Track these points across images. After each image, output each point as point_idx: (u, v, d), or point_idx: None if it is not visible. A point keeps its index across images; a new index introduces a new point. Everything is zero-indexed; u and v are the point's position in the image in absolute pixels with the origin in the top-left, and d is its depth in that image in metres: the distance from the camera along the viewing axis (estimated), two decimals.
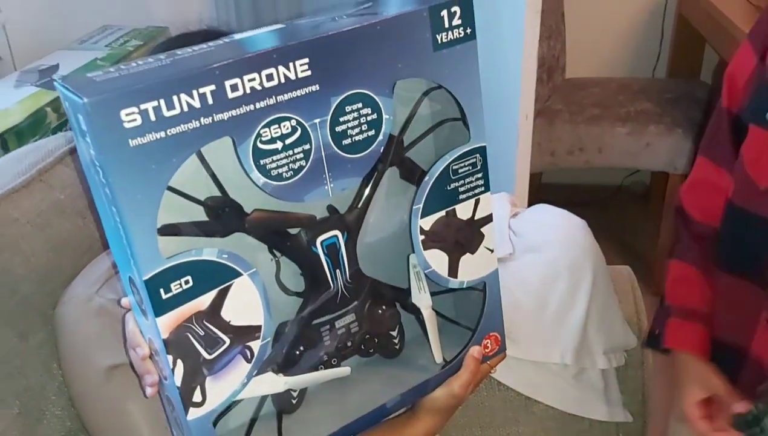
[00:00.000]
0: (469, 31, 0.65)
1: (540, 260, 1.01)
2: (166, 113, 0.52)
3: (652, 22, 2.42)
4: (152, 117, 0.51)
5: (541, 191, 2.54)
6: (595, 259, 1.01)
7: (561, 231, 1.02)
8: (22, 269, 0.86)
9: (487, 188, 0.72)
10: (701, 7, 2.06)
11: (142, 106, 0.51)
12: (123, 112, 0.50)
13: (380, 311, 0.73)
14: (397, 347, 0.76)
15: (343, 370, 0.72)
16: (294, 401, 0.71)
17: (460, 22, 0.64)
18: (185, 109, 0.53)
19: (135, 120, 0.51)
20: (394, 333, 0.76)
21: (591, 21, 2.36)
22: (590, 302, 0.99)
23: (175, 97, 0.52)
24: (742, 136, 0.86)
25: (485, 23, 1.73)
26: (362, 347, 0.74)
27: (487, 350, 0.77)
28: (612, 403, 1.03)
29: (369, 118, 0.63)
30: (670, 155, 1.97)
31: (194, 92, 0.53)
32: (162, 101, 0.51)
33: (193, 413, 0.60)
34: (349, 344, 0.72)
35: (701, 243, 0.94)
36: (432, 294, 0.74)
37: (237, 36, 0.60)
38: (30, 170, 0.96)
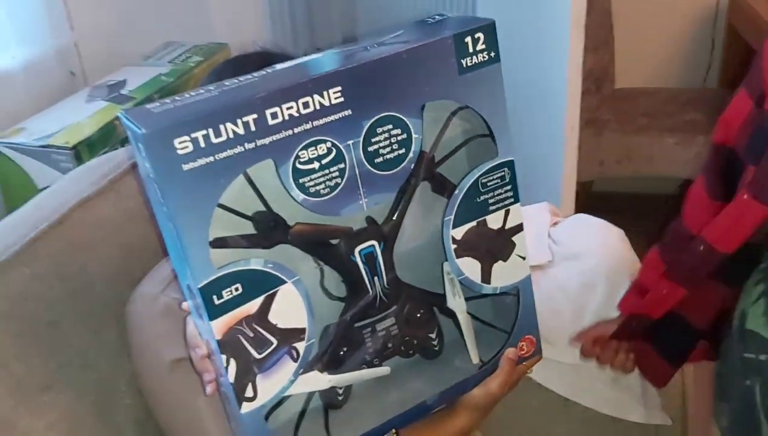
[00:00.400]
0: (493, 54, 0.69)
1: (579, 268, 1.04)
2: (214, 140, 0.58)
3: (703, 31, 2.42)
4: (202, 144, 0.58)
5: (592, 199, 2.55)
6: (632, 267, 1.04)
7: (599, 240, 1.06)
8: (96, 270, 0.94)
9: (516, 200, 0.75)
10: (750, 17, 2.05)
11: (193, 135, 0.57)
12: (176, 141, 0.57)
13: (418, 315, 0.78)
14: (437, 348, 0.81)
15: (383, 369, 0.77)
16: (340, 398, 0.76)
17: (483, 46, 0.68)
18: (231, 135, 0.59)
19: (187, 147, 0.57)
20: (433, 335, 0.80)
21: (640, 32, 2.37)
22: None
23: (221, 126, 0.58)
24: (736, 170, 0.90)
25: (532, 38, 1.78)
26: (402, 349, 0.78)
27: (522, 352, 0.80)
28: (650, 406, 1.06)
29: (399, 137, 0.68)
30: None
31: (238, 121, 0.59)
32: (210, 130, 0.58)
33: (246, 407, 0.66)
34: (389, 345, 0.77)
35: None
36: (468, 299, 0.79)
37: (278, 66, 0.66)
38: (102, 180, 1.04)
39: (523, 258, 0.78)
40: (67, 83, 1.65)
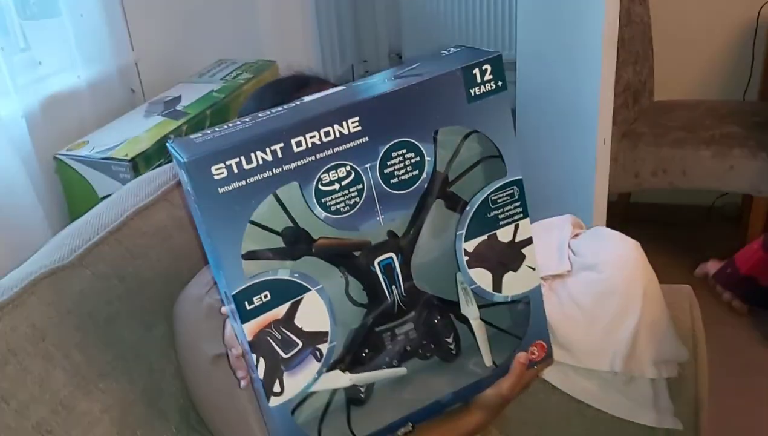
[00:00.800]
0: (500, 83, 0.76)
1: (595, 278, 1.10)
2: (246, 166, 0.67)
3: (743, 44, 2.43)
4: (235, 170, 0.66)
5: (630, 210, 2.58)
6: (646, 278, 1.09)
7: (615, 252, 1.11)
8: (149, 273, 1.03)
9: (525, 215, 0.81)
10: None
11: (227, 163, 0.66)
12: (213, 168, 0.66)
13: (435, 321, 0.85)
14: (453, 352, 0.87)
15: (400, 370, 0.84)
16: (362, 396, 0.83)
17: (491, 77, 0.75)
18: (260, 162, 0.67)
19: (222, 173, 0.66)
20: (449, 340, 0.87)
21: (680, 45, 2.40)
22: (641, 316, 1.07)
23: (252, 154, 0.67)
24: None
25: (568, 54, 1.83)
26: (420, 352, 0.85)
27: (533, 356, 0.86)
28: (661, 411, 1.11)
29: (413, 160, 0.75)
30: (754, 178, 1.99)
31: (267, 149, 0.67)
32: (242, 157, 0.66)
33: (274, 401, 0.74)
34: (408, 348, 0.84)
35: None
36: (482, 306, 0.84)
37: (307, 98, 0.74)
38: (156, 191, 1.14)
39: (533, 269, 0.84)
40: (128, 99, 1.77)
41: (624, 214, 2.51)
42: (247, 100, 1.18)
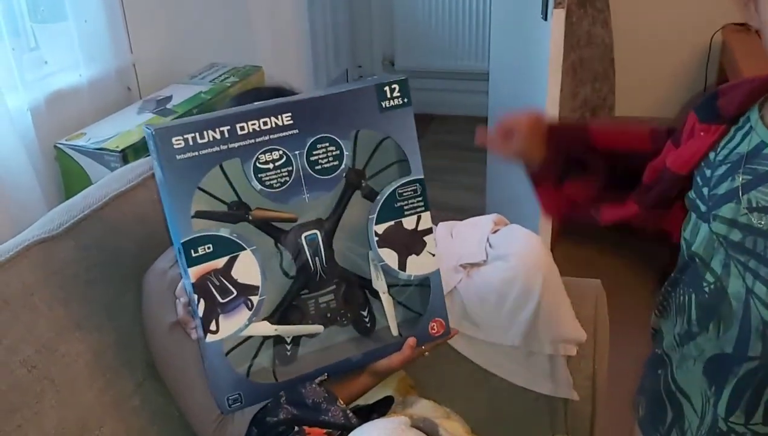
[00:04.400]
0: (406, 100, 0.96)
1: (503, 266, 1.29)
2: (199, 141, 0.87)
3: (698, 66, 2.60)
4: (191, 142, 0.87)
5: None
6: (546, 267, 1.28)
7: (521, 244, 1.30)
8: (125, 246, 1.21)
9: (426, 209, 1.00)
10: (731, 61, 2.24)
11: (185, 136, 0.87)
12: (173, 139, 0.86)
13: (351, 293, 1.02)
14: (368, 325, 1.03)
15: (317, 327, 1.01)
16: (288, 353, 1.01)
17: (399, 94, 0.96)
18: (211, 139, 0.88)
19: (180, 143, 0.87)
20: (364, 313, 1.03)
21: (640, 66, 2.59)
22: (540, 300, 1.26)
23: (205, 132, 0.87)
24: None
25: (525, 70, 2.01)
26: (338, 319, 1.02)
27: (434, 331, 1.03)
28: (558, 382, 1.29)
29: (334, 153, 0.95)
30: None
31: (217, 129, 0.88)
32: (197, 133, 0.87)
33: (210, 338, 0.93)
34: (329, 315, 1.01)
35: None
36: (391, 286, 1.02)
37: (264, 102, 0.93)
38: (137, 178, 1.33)
39: (433, 255, 1.01)
40: (124, 97, 1.96)
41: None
42: (228, 101, 1.37)
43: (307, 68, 2.83)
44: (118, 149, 1.62)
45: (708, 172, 0.89)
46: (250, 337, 0.98)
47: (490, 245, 1.34)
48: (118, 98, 1.92)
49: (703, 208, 0.89)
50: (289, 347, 1.01)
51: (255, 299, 0.95)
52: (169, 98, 1.92)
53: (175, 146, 0.87)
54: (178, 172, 0.87)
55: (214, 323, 0.93)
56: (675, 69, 2.64)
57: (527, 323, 1.26)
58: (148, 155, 1.65)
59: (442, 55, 3.61)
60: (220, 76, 2.10)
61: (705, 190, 0.89)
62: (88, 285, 1.14)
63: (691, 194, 0.92)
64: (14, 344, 1.01)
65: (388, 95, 0.96)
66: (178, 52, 2.16)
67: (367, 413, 1.12)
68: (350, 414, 1.02)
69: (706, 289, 0.90)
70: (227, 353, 0.96)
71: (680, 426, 0.99)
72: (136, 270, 1.20)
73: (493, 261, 1.30)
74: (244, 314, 0.95)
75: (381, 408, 1.13)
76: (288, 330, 1.00)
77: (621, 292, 1.77)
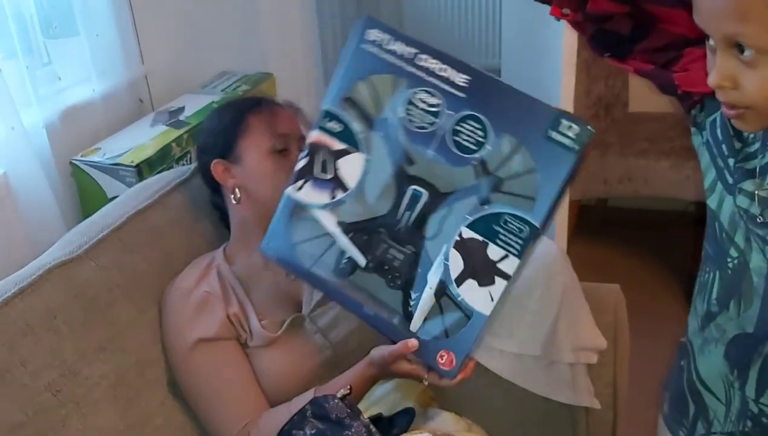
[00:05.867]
0: (575, 147, 0.88)
1: (523, 275, 1.28)
2: (387, 46, 0.96)
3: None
4: (380, 42, 0.97)
5: (608, 214, 2.75)
6: (565, 276, 1.27)
7: (541, 253, 1.29)
8: (144, 265, 1.23)
9: (518, 257, 0.92)
10: None
11: (381, 35, 0.97)
12: (369, 30, 0.97)
13: (409, 266, 0.97)
14: (411, 308, 0.97)
15: (360, 257, 1.00)
16: (342, 268, 1.00)
17: (571, 135, 0.88)
18: (397, 50, 0.96)
19: (373, 38, 0.97)
20: (413, 294, 0.97)
21: None
22: (560, 309, 1.25)
23: (396, 42, 0.97)
24: None
25: (537, 69, 2.00)
26: (390, 277, 0.99)
27: (441, 360, 0.97)
28: (579, 391, 1.29)
29: (478, 137, 0.93)
30: None
31: (404, 46, 0.96)
32: (391, 40, 0.97)
33: (291, 191, 1.01)
34: (386, 267, 0.98)
35: None
36: (442, 295, 0.95)
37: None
38: (154, 196, 1.34)
39: (492, 299, 0.94)
40: (136, 109, 1.96)
41: (602, 218, 2.68)
42: (208, 116, 1.39)
43: (317, 74, 2.83)
44: (133, 164, 1.62)
45: (738, 145, 0.87)
46: (323, 235, 1.02)
47: None
48: (130, 111, 1.92)
49: (730, 180, 0.87)
50: (344, 263, 1.00)
51: (340, 194, 0.99)
52: (181, 109, 1.92)
53: (367, 37, 0.96)
54: (358, 57, 0.97)
55: (302, 181, 1.00)
56: None
57: (547, 332, 1.25)
58: (162, 170, 1.67)
59: (453, 53, 3.58)
60: (232, 84, 2.10)
61: (731, 162, 0.87)
62: (108, 306, 1.15)
63: (719, 162, 0.89)
64: (39, 369, 1.02)
65: (561, 129, 0.89)
66: (189, 60, 2.16)
67: (388, 427, 1.12)
68: (373, 429, 1.03)
69: (730, 264, 0.89)
70: (297, 244, 1.01)
71: (705, 417, 0.98)
72: (154, 289, 1.22)
73: None
74: (324, 197, 1.00)
75: (402, 420, 1.13)
76: (343, 240, 1.00)
77: (639, 293, 1.76)
